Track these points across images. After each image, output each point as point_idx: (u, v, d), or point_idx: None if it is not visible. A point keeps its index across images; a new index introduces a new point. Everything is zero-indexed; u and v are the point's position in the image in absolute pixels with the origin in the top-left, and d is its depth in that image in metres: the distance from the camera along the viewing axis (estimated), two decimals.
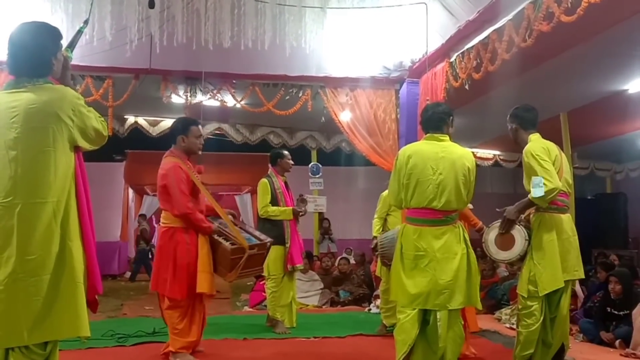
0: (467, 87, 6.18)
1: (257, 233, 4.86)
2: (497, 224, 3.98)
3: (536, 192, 3.67)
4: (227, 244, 4.25)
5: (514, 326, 6.02)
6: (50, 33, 2.57)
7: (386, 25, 6.82)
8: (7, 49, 2.50)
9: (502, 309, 6.71)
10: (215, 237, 4.29)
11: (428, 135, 3.70)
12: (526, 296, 3.79)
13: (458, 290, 3.46)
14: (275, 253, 5.71)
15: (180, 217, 4.16)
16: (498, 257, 4.09)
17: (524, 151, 3.88)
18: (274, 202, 5.79)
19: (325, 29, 6.67)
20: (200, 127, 4.56)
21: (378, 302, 6.59)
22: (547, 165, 3.72)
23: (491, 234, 4.00)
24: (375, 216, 5.97)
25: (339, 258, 8.97)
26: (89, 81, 6.90)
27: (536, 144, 3.86)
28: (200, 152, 4.52)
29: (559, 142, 4.16)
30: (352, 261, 9.32)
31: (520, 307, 3.88)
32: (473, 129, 10.32)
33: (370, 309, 7.20)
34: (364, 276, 8.26)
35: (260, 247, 4.58)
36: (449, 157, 3.57)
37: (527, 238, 3.84)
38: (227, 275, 4.28)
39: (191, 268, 4.12)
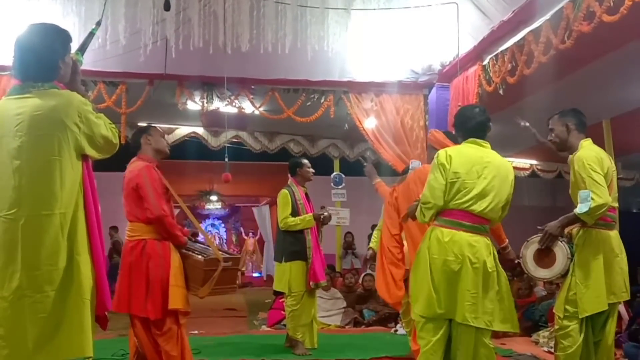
0: (501, 91, 6.15)
1: (222, 249, 4.79)
2: (536, 238, 3.89)
3: (582, 207, 3.55)
4: (198, 256, 4.11)
5: (553, 350, 5.94)
6: (58, 35, 2.59)
7: (414, 26, 6.83)
8: (13, 52, 2.53)
9: (540, 331, 6.60)
10: (184, 251, 4.11)
11: (471, 139, 3.62)
12: (562, 316, 3.71)
13: (490, 309, 3.37)
14: (296, 268, 5.72)
15: (154, 221, 3.94)
16: (537, 275, 3.99)
17: (575, 158, 3.73)
18: (295, 214, 5.80)
19: (349, 31, 6.71)
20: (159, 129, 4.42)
21: None
22: (598, 178, 3.58)
23: (530, 249, 3.88)
24: (377, 228, 5.97)
25: (363, 274, 8.94)
26: (102, 87, 7.00)
27: (589, 152, 3.72)
28: (168, 152, 4.34)
29: None
30: None
31: (556, 327, 3.81)
32: (508, 136, 10.21)
33: (396, 330, 7.15)
34: None
35: (234, 261, 4.46)
36: (494, 163, 3.53)
37: (569, 256, 3.73)
38: (200, 290, 4.07)
39: (165, 283, 3.94)
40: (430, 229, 3.52)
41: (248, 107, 7.76)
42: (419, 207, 3.57)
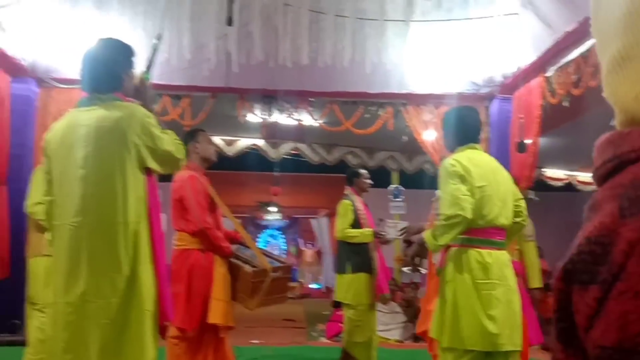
0: (566, 104, 5.99)
1: (276, 256, 4.70)
2: None
3: None
4: (247, 266, 3.98)
5: None
6: (121, 48, 2.69)
7: (475, 37, 6.73)
8: (81, 65, 2.63)
9: None
10: (234, 260, 4.00)
11: (470, 145, 3.33)
12: None
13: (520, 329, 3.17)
14: (362, 280, 5.65)
15: (197, 234, 3.87)
16: None
17: None
18: (357, 224, 5.74)
19: (408, 43, 6.67)
20: (207, 134, 4.31)
21: None
22: None
23: None
24: None
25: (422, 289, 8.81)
26: (167, 100, 7.21)
27: None
28: (215, 160, 4.27)
29: None
30: None
31: None
32: (573, 150, 9.92)
33: None
34: None
35: (285, 270, 4.27)
36: (499, 167, 3.33)
37: None
38: (249, 302, 3.97)
39: (206, 296, 3.83)
40: (462, 251, 3.15)
41: (307, 119, 7.82)
42: (434, 230, 3.12)
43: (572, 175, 11.78)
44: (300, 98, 7.59)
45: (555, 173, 11.59)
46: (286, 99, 7.48)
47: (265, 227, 19.03)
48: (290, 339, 7.41)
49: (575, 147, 9.65)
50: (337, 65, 6.50)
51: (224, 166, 11.73)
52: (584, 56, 5.51)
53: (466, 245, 3.14)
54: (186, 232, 3.95)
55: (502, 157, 7.19)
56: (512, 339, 3.07)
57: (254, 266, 4.00)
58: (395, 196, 9.74)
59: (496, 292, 3.07)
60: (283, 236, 19.51)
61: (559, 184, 11.75)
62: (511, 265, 3.20)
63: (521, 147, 6.31)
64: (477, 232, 3.14)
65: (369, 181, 6.06)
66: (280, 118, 7.70)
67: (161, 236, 2.61)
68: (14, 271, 6.52)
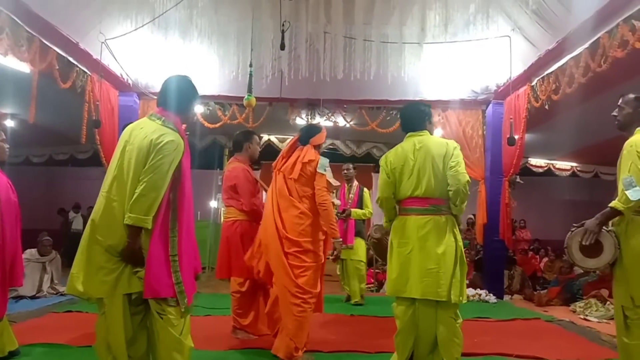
0: (546, 107, 5.94)
1: None
2: (579, 229, 3.00)
3: (632, 194, 2.72)
4: None
5: (588, 317, 5.67)
6: (194, 86, 2.73)
7: (474, 55, 6.68)
8: (162, 88, 2.69)
9: (577, 302, 6.31)
10: None
11: (408, 134, 3.32)
12: (632, 306, 2.83)
13: (440, 283, 2.96)
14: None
15: (248, 212, 4.03)
16: (584, 265, 3.07)
17: (626, 143, 2.89)
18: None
19: (422, 60, 6.64)
20: (257, 137, 4.40)
21: None
22: None
23: (574, 239, 3.02)
24: None
25: None
26: (235, 108, 7.39)
27: None
28: (256, 159, 4.35)
29: None
30: None
31: (631, 315, 2.86)
32: (552, 144, 9.77)
33: None
34: None
35: None
36: (427, 145, 3.17)
37: (617, 245, 2.88)
38: None
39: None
40: (395, 219, 3.23)
41: (341, 121, 7.89)
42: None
43: (551, 163, 11.60)
44: (336, 105, 7.66)
45: (537, 161, 11.43)
46: (325, 105, 7.55)
47: None
48: (328, 290, 7.53)
49: (554, 141, 9.52)
50: (365, 78, 6.52)
51: (276, 158, 11.83)
52: (562, 69, 5.45)
53: (399, 215, 3.20)
54: (235, 208, 4.10)
55: (496, 149, 7.18)
56: (418, 288, 2.98)
57: None
58: None
59: (404, 249, 3.07)
60: None
61: (540, 170, 11.58)
62: (429, 228, 3.02)
63: (511, 141, 6.28)
64: (401, 203, 3.18)
65: None
66: (320, 120, 7.77)
67: (190, 233, 2.59)
68: None
